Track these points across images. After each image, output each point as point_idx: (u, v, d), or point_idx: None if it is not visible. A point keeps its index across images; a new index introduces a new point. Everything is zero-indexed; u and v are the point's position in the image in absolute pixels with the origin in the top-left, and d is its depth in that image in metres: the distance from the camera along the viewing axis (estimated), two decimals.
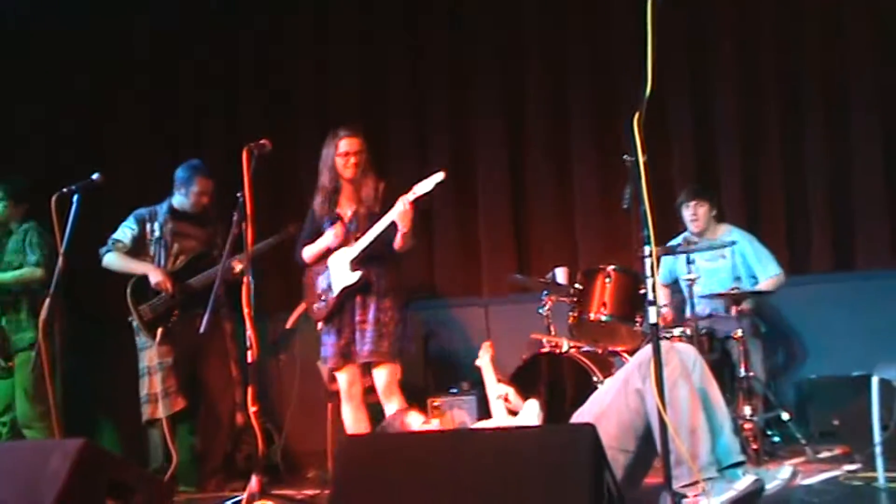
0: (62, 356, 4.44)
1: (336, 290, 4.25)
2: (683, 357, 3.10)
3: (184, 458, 4.72)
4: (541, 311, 4.94)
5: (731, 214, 5.51)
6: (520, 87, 6.08)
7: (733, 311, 4.81)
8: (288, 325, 4.25)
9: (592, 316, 4.59)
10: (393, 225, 4.16)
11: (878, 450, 3.63)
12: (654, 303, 2.69)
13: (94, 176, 4.33)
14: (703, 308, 5.00)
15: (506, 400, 4.02)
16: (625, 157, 2.78)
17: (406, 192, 4.13)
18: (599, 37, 5.93)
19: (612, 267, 4.64)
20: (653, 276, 2.70)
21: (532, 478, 2.12)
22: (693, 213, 5.15)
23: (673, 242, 5.08)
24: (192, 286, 4.79)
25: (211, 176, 4.92)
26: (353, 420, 4.34)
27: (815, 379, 5.24)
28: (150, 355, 4.80)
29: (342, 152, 4.30)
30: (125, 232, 4.92)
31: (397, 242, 4.22)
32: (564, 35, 6.03)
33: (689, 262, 4.64)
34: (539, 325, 4.98)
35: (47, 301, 4.30)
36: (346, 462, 2.25)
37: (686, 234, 5.23)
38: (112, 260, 4.89)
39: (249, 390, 3.74)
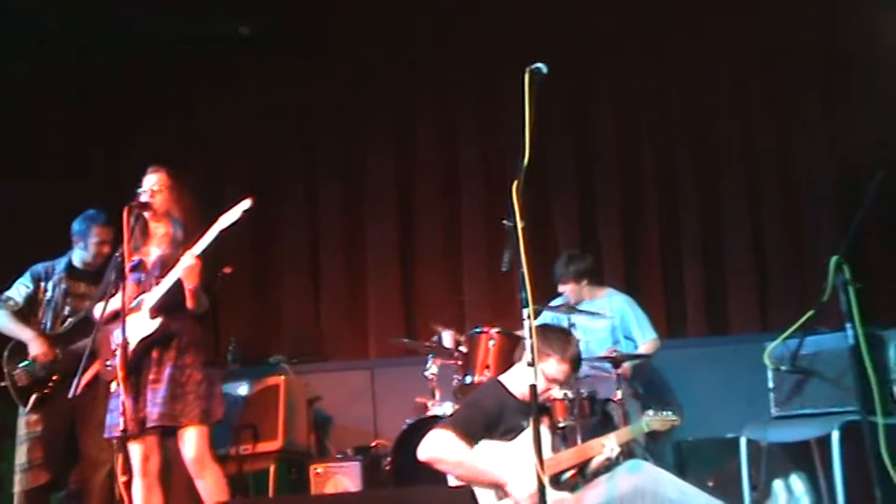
0: None
1: (133, 342, 3.75)
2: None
3: None
4: (426, 374, 4.94)
5: (611, 278, 5.71)
6: (410, 149, 6.22)
7: (612, 373, 4.93)
8: (73, 393, 3.72)
9: (476, 378, 4.62)
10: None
11: None
12: (533, 363, 2.75)
13: None
14: (584, 368, 5.10)
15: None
16: (504, 221, 2.86)
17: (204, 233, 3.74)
18: (489, 102, 6.13)
19: (496, 329, 4.71)
20: (532, 337, 2.76)
21: None
22: (563, 291, 5.27)
23: (555, 303, 5.20)
24: (76, 351, 4.47)
25: (110, 223, 4.63)
26: (144, 501, 3.77)
27: (692, 441, 5.37)
28: (22, 424, 4.54)
29: (144, 188, 3.93)
30: (19, 290, 4.67)
31: (187, 301, 3.79)
32: (455, 100, 6.23)
33: (570, 324, 4.76)
34: (424, 389, 4.99)
35: None
36: None
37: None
38: None
39: (119, 459, 3.57)
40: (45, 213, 5.66)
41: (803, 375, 4.03)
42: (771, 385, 4.17)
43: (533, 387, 2.76)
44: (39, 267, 4.73)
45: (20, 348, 4.57)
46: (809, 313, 4.01)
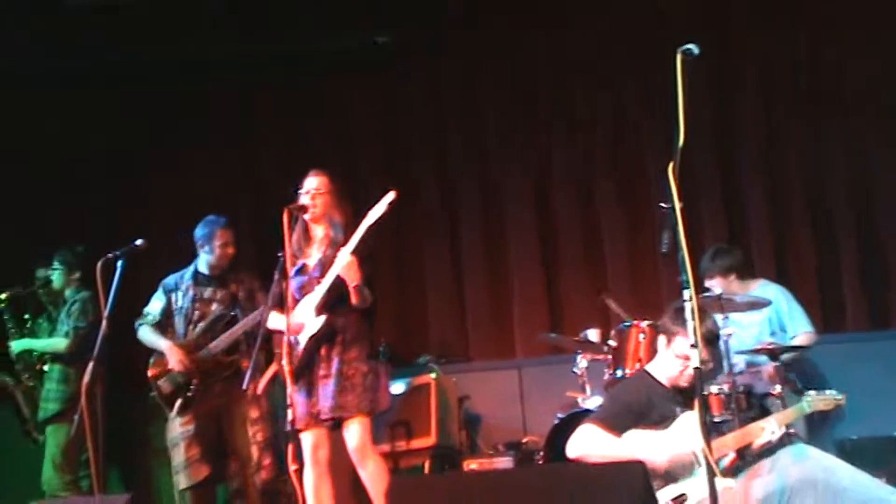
0: (104, 421, 4.44)
1: (303, 341, 3.92)
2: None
3: None
4: (575, 370, 4.94)
5: (762, 269, 5.53)
6: (546, 145, 6.22)
7: (769, 367, 4.77)
8: (259, 391, 4.06)
9: (629, 372, 4.58)
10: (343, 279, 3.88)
11: None
12: (696, 346, 2.72)
13: (138, 242, 4.44)
14: (739, 362, 4.96)
15: None
16: (661, 204, 2.84)
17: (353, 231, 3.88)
18: (624, 95, 6.10)
19: (646, 323, 4.65)
20: (693, 319, 2.73)
21: None
22: (710, 286, 5.07)
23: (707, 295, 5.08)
24: (210, 352, 4.78)
25: (231, 226, 4.91)
26: (314, 489, 3.94)
27: (857, 439, 5.15)
28: (174, 426, 4.83)
29: (305, 191, 4.08)
30: (154, 305, 4.97)
31: (352, 298, 3.92)
32: (590, 94, 6.21)
33: (723, 318, 4.63)
34: (572, 387, 4.98)
35: (90, 365, 4.34)
36: None
37: None
38: (143, 334, 4.94)
39: (290, 449, 3.75)
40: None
41: None
42: None
43: (697, 370, 2.73)
44: (170, 280, 4.98)
45: (161, 359, 4.83)
46: None
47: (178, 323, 4.89)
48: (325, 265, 4.01)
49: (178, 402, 4.75)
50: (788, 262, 5.81)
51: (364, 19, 6.14)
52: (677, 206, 2.79)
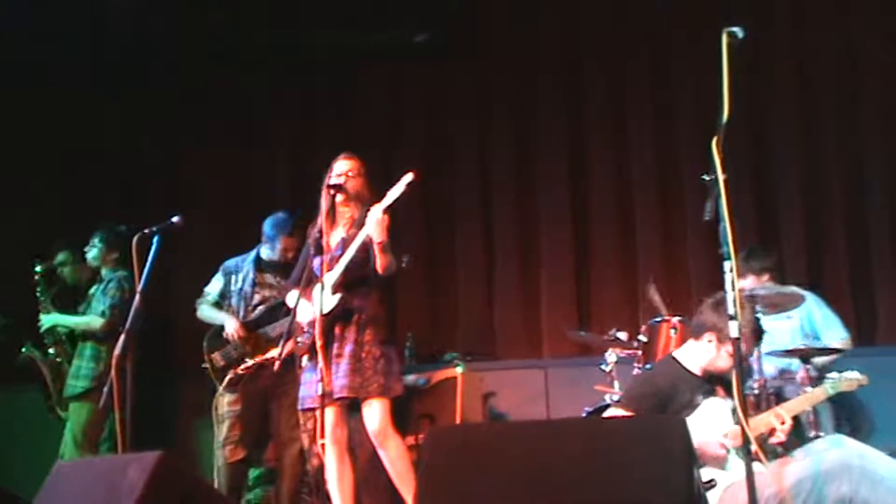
0: (133, 396, 4.45)
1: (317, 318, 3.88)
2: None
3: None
4: (603, 366, 4.91)
5: (794, 276, 5.47)
6: (582, 144, 6.21)
7: (802, 371, 4.70)
8: (276, 368, 4.02)
9: None
10: (370, 247, 3.88)
11: None
12: (734, 317, 2.70)
13: (175, 218, 4.48)
14: (769, 366, 4.90)
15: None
16: (703, 176, 2.85)
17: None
18: (661, 96, 6.09)
19: (677, 318, 4.63)
20: (733, 290, 2.71)
21: (624, 466, 2.10)
22: (743, 285, 5.02)
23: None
24: (268, 334, 4.87)
25: (294, 234, 4.97)
26: (336, 468, 3.95)
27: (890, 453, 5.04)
28: (222, 402, 4.89)
29: (337, 173, 4.11)
30: (213, 285, 5.12)
31: (378, 261, 3.89)
32: (627, 94, 6.20)
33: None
34: (600, 383, 4.95)
35: (122, 338, 4.35)
36: (435, 452, 2.25)
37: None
38: (202, 312, 5.10)
39: (319, 423, 3.77)
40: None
41: None
42: None
43: (736, 340, 2.71)
44: (230, 262, 5.12)
45: (218, 334, 4.95)
46: None
47: (237, 304, 4.98)
48: (346, 243, 4.03)
49: (228, 377, 4.83)
50: (820, 271, 5.73)
51: (402, 17, 6.22)
52: (720, 176, 2.79)
